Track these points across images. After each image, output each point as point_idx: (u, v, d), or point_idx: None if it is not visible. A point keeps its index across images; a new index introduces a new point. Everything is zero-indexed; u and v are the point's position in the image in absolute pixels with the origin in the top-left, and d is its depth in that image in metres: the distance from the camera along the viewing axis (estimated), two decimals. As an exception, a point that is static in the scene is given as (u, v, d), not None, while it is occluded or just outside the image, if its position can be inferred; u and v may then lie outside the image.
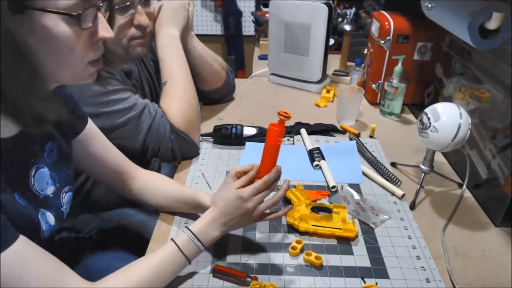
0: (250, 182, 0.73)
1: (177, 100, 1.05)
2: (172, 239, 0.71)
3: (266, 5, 1.89)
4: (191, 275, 0.75)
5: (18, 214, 0.59)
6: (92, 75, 0.63)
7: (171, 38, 1.09)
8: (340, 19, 2.00)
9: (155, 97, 1.20)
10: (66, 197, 0.73)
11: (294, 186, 0.97)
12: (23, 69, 0.52)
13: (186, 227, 0.73)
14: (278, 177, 0.74)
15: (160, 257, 0.69)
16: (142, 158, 1.00)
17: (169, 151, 1.02)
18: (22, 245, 0.56)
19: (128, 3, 0.92)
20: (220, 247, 0.81)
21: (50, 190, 0.68)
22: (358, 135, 1.21)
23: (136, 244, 0.90)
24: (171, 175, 1.01)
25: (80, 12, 0.54)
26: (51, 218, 0.68)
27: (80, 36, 0.56)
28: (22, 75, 0.52)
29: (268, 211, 0.75)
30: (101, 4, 0.58)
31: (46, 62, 0.55)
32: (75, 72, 0.59)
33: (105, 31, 0.59)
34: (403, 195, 0.96)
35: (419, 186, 0.97)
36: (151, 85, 1.20)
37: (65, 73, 0.59)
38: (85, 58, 0.59)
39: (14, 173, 0.60)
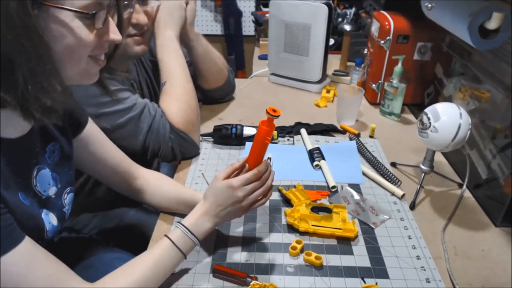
0: (234, 171, 0.75)
1: (176, 100, 1.05)
2: (166, 235, 0.71)
3: (266, 5, 1.89)
4: (191, 275, 0.75)
5: (23, 214, 0.60)
6: (95, 75, 0.64)
7: (169, 39, 1.09)
8: (340, 19, 2.00)
9: (154, 97, 1.20)
10: (68, 198, 0.73)
11: (294, 186, 0.97)
12: (42, 63, 0.52)
13: (179, 222, 0.73)
14: (267, 170, 0.75)
15: (156, 254, 0.69)
16: (143, 158, 1.00)
17: (169, 151, 1.02)
18: (28, 246, 0.57)
19: (126, 1, 0.92)
20: (220, 247, 0.82)
21: (52, 191, 0.69)
22: (358, 135, 1.21)
23: (136, 244, 0.90)
24: (170, 175, 1.01)
25: (94, 12, 0.56)
26: (53, 218, 0.68)
27: (91, 34, 0.57)
28: (41, 69, 0.52)
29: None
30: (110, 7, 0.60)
31: (56, 57, 0.56)
32: (78, 68, 0.60)
33: (114, 33, 0.61)
34: (403, 195, 0.96)
35: (419, 186, 0.97)
36: (150, 85, 1.20)
37: (70, 69, 0.59)
38: (91, 53, 0.60)
39: (17, 173, 0.60)
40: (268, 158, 1.06)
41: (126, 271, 0.67)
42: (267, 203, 0.92)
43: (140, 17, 0.97)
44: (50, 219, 0.67)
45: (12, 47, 0.49)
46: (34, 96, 0.52)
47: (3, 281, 0.54)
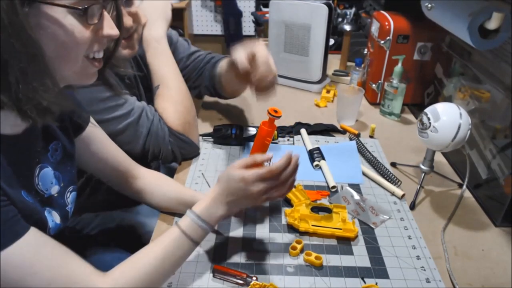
0: (253, 161, 0.72)
1: (171, 103, 1.04)
2: (176, 222, 0.70)
3: (266, 5, 1.89)
4: (191, 275, 0.75)
5: (26, 210, 0.59)
6: (93, 74, 0.63)
7: (155, 40, 1.08)
8: (340, 19, 2.00)
9: (150, 95, 1.19)
10: (70, 197, 0.73)
11: (294, 186, 0.97)
12: (33, 63, 0.51)
13: (189, 209, 0.71)
14: (286, 169, 0.71)
15: (165, 243, 0.68)
16: (143, 161, 1.00)
17: (169, 153, 1.02)
18: (34, 236, 0.57)
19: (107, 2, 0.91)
20: (220, 247, 0.82)
21: (54, 189, 0.69)
22: (358, 135, 1.21)
23: (136, 244, 0.90)
24: (170, 175, 1.01)
25: (86, 6, 0.54)
26: (56, 217, 0.68)
27: (85, 30, 0.56)
28: (32, 69, 0.51)
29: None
30: (105, 1, 0.58)
31: (51, 56, 0.55)
32: (75, 67, 0.58)
33: (110, 28, 0.59)
34: (403, 195, 0.96)
35: (419, 186, 0.97)
36: (145, 82, 1.19)
37: (67, 68, 0.58)
38: (88, 51, 0.59)
39: (19, 171, 0.60)
40: (268, 158, 1.06)
41: (135, 261, 0.66)
42: (267, 203, 0.92)
43: (124, 19, 0.95)
44: (53, 217, 0.67)
45: (3, 47, 0.48)
46: (26, 96, 0.51)
47: (9, 273, 0.54)
